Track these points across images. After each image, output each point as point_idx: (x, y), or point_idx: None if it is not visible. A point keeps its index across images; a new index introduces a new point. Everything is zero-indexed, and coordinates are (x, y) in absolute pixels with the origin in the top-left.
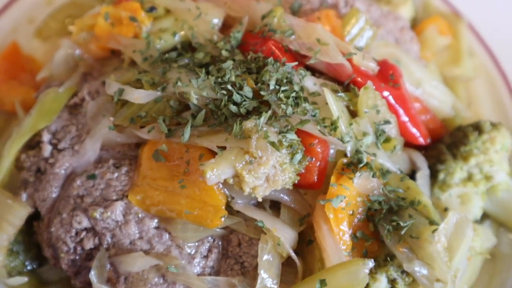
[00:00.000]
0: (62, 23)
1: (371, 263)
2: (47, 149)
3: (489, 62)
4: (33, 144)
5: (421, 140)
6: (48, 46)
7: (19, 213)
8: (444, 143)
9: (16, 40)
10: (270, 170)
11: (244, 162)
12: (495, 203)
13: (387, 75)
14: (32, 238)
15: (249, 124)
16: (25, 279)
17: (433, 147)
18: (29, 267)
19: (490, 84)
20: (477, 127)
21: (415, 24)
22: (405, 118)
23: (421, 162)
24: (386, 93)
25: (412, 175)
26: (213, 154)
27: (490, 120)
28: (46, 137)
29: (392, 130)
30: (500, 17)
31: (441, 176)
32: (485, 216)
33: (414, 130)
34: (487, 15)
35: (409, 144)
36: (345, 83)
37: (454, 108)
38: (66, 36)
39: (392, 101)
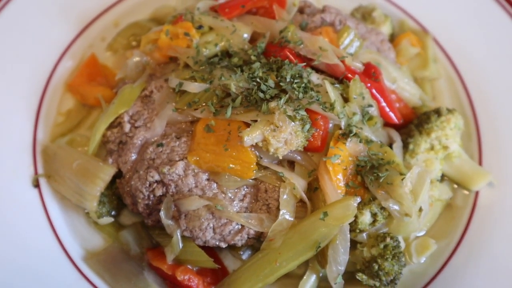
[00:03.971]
0: (127, 40)
1: (359, 199)
2: (127, 127)
3: (449, 66)
4: (115, 124)
5: (396, 120)
6: (117, 56)
7: (108, 171)
8: (413, 124)
9: (94, 52)
10: (288, 135)
11: (269, 130)
12: (450, 167)
13: (370, 72)
14: (114, 192)
15: (273, 104)
16: (111, 219)
17: (405, 126)
18: (112, 214)
19: (450, 83)
20: (437, 111)
21: (393, 38)
22: (383, 104)
23: (396, 136)
24: (369, 85)
25: (389, 146)
26: (248, 125)
27: (447, 107)
28: (126, 118)
29: (374, 111)
30: (457, 33)
31: (411, 146)
32: (443, 177)
33: (391, 113)
34: (448, 31)
35: (388, 124)
36: (340, 78)
37: (422, 100)
38: (131, 49)
39: (374, 91)
